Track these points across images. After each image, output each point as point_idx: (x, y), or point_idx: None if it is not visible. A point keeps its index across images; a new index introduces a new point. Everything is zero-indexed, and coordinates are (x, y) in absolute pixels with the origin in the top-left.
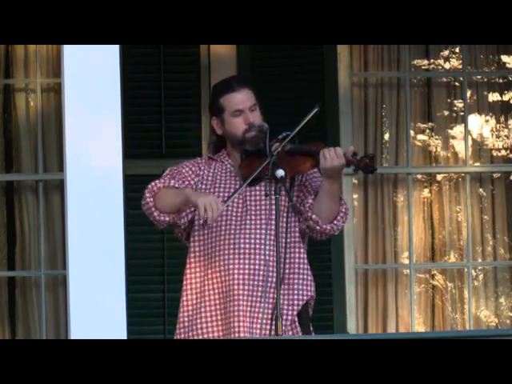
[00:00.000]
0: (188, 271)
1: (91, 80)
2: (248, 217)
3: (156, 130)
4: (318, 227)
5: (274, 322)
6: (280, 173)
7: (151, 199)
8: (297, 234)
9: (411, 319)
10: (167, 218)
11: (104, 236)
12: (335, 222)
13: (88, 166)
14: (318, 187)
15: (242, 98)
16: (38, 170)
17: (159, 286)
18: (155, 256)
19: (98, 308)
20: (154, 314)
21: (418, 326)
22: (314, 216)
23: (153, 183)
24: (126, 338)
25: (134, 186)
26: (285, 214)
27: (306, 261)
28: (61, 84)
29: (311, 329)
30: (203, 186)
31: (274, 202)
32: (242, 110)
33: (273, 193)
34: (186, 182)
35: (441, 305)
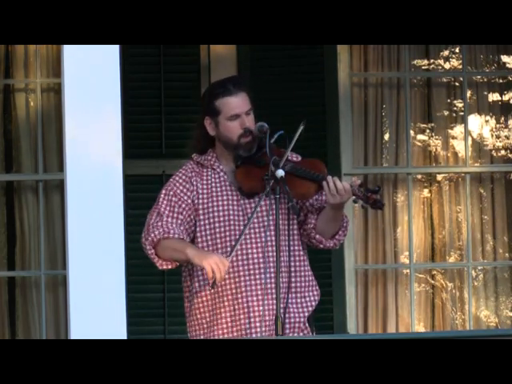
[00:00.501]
0: (198, 289)
1: (91, 80)
2: (252, 230)
3: (156, 130)
4: (321, 245)
5: (276, 322)
6: (280, 173)
7: (152, 251)
8: (300, 242)
9: (411, 319)
10: (170, 266)
11: (104, 236)
12: (337, 236)
13: (88, 166)
14: (320, 204)
15: (238, 103)
16: (38, 170)
17: (159, 286)
18: None
19: (98, 308)
20: (154, 314)
21: (418, 326)
22: (317, 236)
23: (152, 235)
24: (126, 337)
25: (133, 186)
26: (287, 222)
27: (308, 267)
28: (61, 84)
29: (313, 328)
30: (200, 201)
31: (274, 202)
32: (239, 114)
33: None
34: (183, 205)
35: (441, 305)
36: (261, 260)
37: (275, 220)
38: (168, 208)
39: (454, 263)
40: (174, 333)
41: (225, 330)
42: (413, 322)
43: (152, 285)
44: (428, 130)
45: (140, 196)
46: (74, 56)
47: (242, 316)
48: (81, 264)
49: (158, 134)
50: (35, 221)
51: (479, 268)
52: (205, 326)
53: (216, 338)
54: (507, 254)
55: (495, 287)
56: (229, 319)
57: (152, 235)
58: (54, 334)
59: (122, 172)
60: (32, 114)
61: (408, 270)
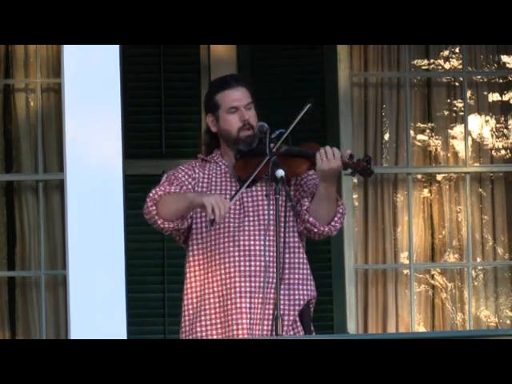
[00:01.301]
0: (188, 275)
1: (91, 80)
2: (246, 218)
3: (156, 130)
4: (315, 229)
5: (274, 322)
6: (280, 173)
7: (153, 207)
8: (296, 234)
9: (411, 319)
10: (171, 225)
11: (104, 236)
12: (332, 223)
13: (88, 166)
14: (314, 189)
15: (238, 96)
16: (38, 170)
17: (159, 286)
18: (155, 256)
19: (98, 308)
20: (153, 313)
21: (418, 326)
22: (311, 219)
23: (153, 191)
24: (126, 338)
25: (133, 186)
26: (283, 214)
27: (305, 261)
28: (61, 84)
29: (312, 328)
30: (199, 189)
31: (273, 202)
32: (238, 107)
33: (272, 193)
34: (184, 187)
35: (441, 305)
36: (261, 258)
37: (275, 220)
38: (169, 184)
39: (454, 263)
40: (173, 333)
41: (212, 327)
42: (413, 321)
43: (152, 285)
44: (428, 130)
45: (140, 196)
46: (74, 56)
47: (231, 312)
48: (81, 264)
49: (158, 134)
50: (35, 221)
51: (479, 268)
52: (192, 316)
53: (199, 329)
54: (507, 254)
55: (495, 287)
56: (218, 314)
57: (154, 192)
58: (54, 334)
59: (122, 172)
60: (32, 114)
61: (408, 270)
